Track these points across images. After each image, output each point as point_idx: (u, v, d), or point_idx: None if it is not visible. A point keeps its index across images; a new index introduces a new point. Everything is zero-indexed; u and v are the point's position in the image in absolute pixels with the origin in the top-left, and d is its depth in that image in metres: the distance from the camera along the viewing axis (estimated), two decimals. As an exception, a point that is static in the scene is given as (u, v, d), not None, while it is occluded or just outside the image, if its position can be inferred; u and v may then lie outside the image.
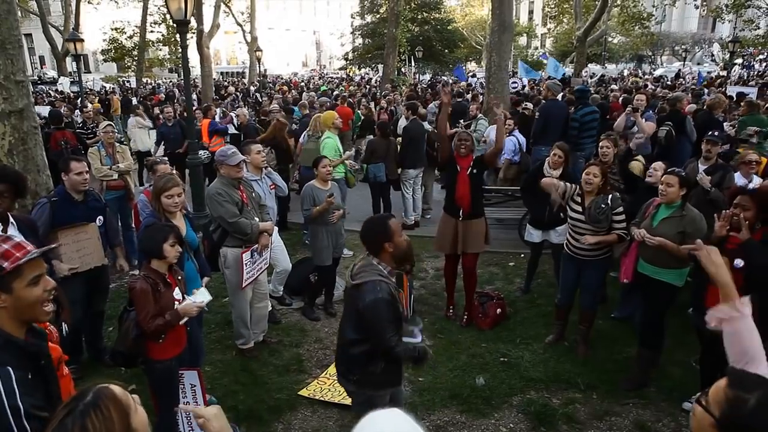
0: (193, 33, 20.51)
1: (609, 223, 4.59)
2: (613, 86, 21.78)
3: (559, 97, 9.37)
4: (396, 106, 13.46)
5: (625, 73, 38.00)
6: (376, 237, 3.00)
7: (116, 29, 33.12)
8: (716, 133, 5.84)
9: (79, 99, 17.74)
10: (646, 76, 33.17)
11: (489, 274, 6.79)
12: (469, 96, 15.83)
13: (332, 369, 4.77)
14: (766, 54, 38.51)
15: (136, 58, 32.52)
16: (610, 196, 4.63)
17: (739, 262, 3.55)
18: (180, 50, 8.48)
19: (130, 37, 32.84)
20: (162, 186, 3.99)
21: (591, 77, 27.52)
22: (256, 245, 4.74)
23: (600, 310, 5.56)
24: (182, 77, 12.09)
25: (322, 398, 4.38)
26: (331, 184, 5.67)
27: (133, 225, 6.33)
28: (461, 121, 9.30)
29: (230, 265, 4.69)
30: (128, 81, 33.98)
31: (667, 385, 4.47)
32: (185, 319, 3.34)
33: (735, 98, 12.69)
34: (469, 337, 5.34)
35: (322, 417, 4.23)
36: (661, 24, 40.65)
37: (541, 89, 13.33)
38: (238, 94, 23.95)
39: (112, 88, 29.31)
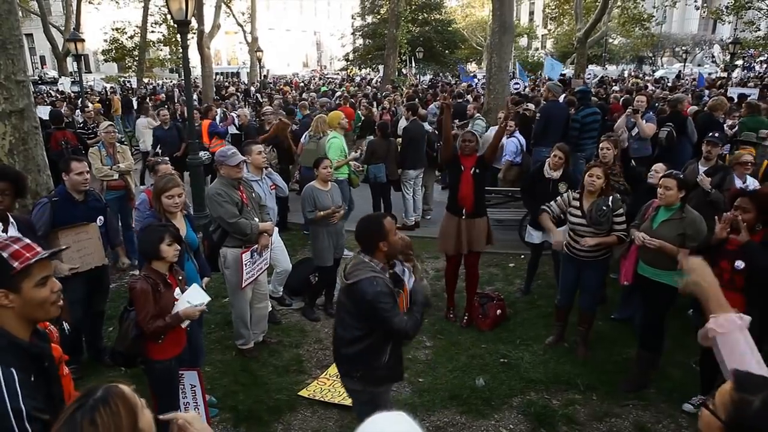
0: (194, 33, 20.51)
1: (610, 224, 4.59)
2: (615, 87, 21.81)
3: (561, 98, 9.37)
4: (397, 107, 13.47)
5: (626, 74, 38.01)
6: (372, 236, 3.03)
7: (117, 29, 33.13)
8: (716, 135, 5.85)
9: (80, 99, 17.73)
10: (647, 77, 33.18)
11: (489, 275, 6.78)
12: (469, 97, 15.86)
13: (332, 369, 4.77)
14: (766, 56, 38.50)
15: (136, 59, 32.53)
16: (611, 197, 4.62)
17: (740, 264, 3.56)
18: (181, 50, 8.49)
19: (131, 37, 32.86)
20: (162, 186, 3.99)
21: (593, 78, 27.48)
22: (256, 245, 4.74)
23: (600, 311, 5.56)
24: (183, 77, 12.10)
25: (321, 399, 4.38)
26: (331, 185, 5.67)
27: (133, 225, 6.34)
28: (456, 121, 9.31)
29: (230, 266, 4.69)
30: (129, 81, 34.00)
31: (667, 387, 4.47)
32: (187, 323, 3.34)
33: (737, 99, 12.70)
34: (469, 338, 5.34)
35: (322, 418, 4.23)
36: (661, 25, 40.64)
37: (542, 90, 13.35)
38: (238, 94, 23.96)
39: (113, 88, 29.32)
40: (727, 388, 1.48)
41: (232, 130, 11.67)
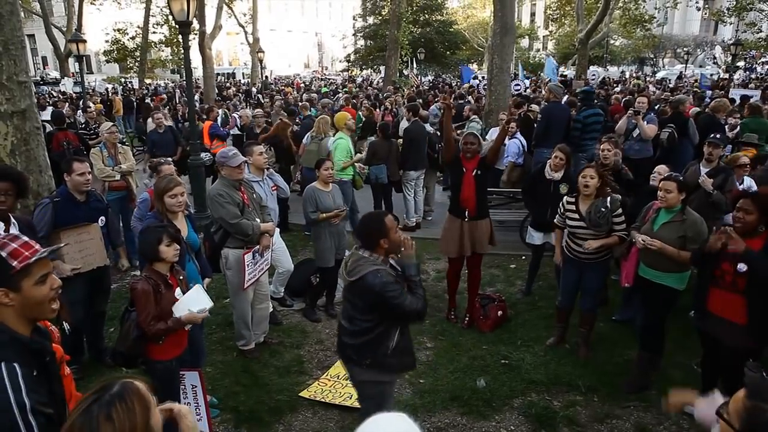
0: (195, 34, 20.53)
1: (609, 225, 4.58)
2: (616, 88, 21.81)
3: (565, 98, 9.39)
4: (398, 108, 13.47)
5: (627, 75, 37.98)
6: (373, 233, 3.11)
7: (119, 30, 33.16)
8: (718, 136, 5.85)
9: (82, 100, 17.76)
10: (648, 78, 33.16)
11: (490, 276, 6.78)
12: (470, 98, 15.86)
13: (333, 370, 4.78)
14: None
15: (138, 59, 32.57)
16: (608, 198, 4.62)
17: (742, 267, 3.55)
18: (182, 51, 8.49)
19: (133, 38, 32.90)
20: (165, 186, 4.00)
21: (597, 78, 27.53)
22: (258, 246, 4.74)
23: (601, 312, 5.56)
24: (184, 78, 12.11)
25: (323, 399, 4.38)
26: (332, 186, 5.67)
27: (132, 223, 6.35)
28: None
29: (232, 266, 4.69)
30: (130, 82, 34.06)
31: (669, 388, 4.44)
32: (189, 326, 3.35)
33: (739, 101, 12.69)
34: (470, 340, 5.34)
35: (323, 418, 4.23)
36: (663, 26, 40.62)
37: (543, 91, 13.36)
38: (240, 95, 23.99)
39: (114, 88, 29.37)
40: (740, 396, 1.50)
41: (234, 131, 11.69)
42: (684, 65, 41.70)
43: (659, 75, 37.51)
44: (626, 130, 7.87)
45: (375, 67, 41.62)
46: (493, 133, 8.65)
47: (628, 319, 5.41)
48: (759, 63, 38.43)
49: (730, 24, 32.38)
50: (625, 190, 5.33)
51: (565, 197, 4.94)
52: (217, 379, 4.64)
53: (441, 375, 4.72)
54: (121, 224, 6.24)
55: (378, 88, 24.95)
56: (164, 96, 24.08)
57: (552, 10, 38.29)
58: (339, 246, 5.69)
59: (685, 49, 46.58)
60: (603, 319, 5.55)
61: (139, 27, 30.95)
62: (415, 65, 33.44)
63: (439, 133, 9.03)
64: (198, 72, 24.32)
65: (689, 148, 7.61)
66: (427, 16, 38.83)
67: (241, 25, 34.67)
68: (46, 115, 10.99)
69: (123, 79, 37.01)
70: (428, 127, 9.06)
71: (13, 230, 3.78)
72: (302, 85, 33.81)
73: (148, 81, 33.89)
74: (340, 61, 53.21)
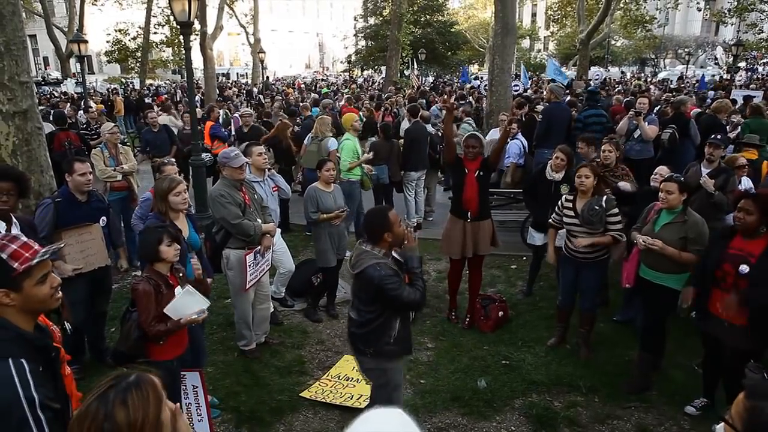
0: (197, 35, 20.54)
1: (603, 224, 4.59)
2: (618, 88, 21.80)
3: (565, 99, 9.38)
4: (399, 108, 13.47)
5: (628, 75, 37.95)
6: (377, 227, 3.29)
7: (120, 30, 33.17)
8: (719, 136, 5.85)
9: (83, 100, 17.78)
10: (650, 80, 33.14)
11: (491, 277, 6.78)
12: (471, 99, 15.87)
13: (334, 371, 4.78)
14: (769, 57, 38.48)
15: (139, 60, 32.60)
16: (604, 197, 4.63)
17: (744, 268, 3.54)
18: (183, 52, 8.49)
19: (134, 38, 32.91)
20: (168, 186, 4.01)
21: (600, 78, 27.56)
22: (259, 247, 4.74)
23: (602, 313, 5.56)
24: (185, 79, 12.11)
25: (323, 400, 4.38)
26: (334, 187, 5.67)
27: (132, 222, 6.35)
28: None
29: (233, 267, 4.69)
30: (131, 82, 34.09)
31: (669, 389, 4.46)
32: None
33: (742, 101, 12.68)
34: (471, 340, 5.34)
35: (324, 419, 4.23)
36: (664, 27, 40.54)
37: (544, 92, 13.36)
38: (242, 94, 24.00)
39: (115, 89, 29.39)
40: (740, 398, 1.52)
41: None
42: (685, 66, 41.67)
43: (660, 75, 37.48)
44: (627, 130, 7.87)
45: (376, 67, 41.60)
46: (494, 134, 8.65)
47: (628, 319, 5.41)
48: (760, 63, 38.39)
49: (731, 25, 32.32)
50: (623, 203, 5.29)
51: (564, 195, 4.95)
52: (218, 379, 4.64)
53: (442, 375, 4.72)
54: (122, 224, 6.26)
55: (379, 88, 24.97)
56: (165, 96, 24.11)
57: (553, 10, 38.28)
58: (339, 246, 5.69)
59: (686, 49, 46.55)
60: (604, 319, 5.55)
61: (140, 27, 30.97)
62: (416, 65, 33.37)
63: (440, 134, 9.04)
64: (199, 72, 24.31)
65: (691, 149, 7.60)
66: (428, 16, 38.74)
67: (242, 26, 34.68)
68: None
69: (124, 80, 37.06)
70: (429, 128, 9.06)
71: (15, 230, 3.78)
72: (303, 85, 33.83)
73: (149, 81, 33.91)
74: (341, 62, 53.19)
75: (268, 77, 33.09)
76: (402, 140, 8.82)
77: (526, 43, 54.03)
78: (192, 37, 8.55)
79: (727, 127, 8.74)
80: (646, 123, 7.70)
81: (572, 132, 8.28)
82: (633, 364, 4.65)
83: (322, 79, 41.28)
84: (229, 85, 32.73)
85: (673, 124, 7.65)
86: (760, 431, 1.46)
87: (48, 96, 24.47)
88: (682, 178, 4.32)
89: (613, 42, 44.04)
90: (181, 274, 3.48)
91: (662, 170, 5.00)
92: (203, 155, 8.66)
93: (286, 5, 67.93)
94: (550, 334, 5.28)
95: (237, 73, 48.90)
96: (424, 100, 15.04)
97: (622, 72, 41.37)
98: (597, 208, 4.55)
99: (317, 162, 5.91)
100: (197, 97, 16.28)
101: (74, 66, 31.82)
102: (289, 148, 8.76)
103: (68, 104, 17.07)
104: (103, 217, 4.76)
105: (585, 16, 27.19)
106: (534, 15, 62.20)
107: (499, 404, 4.34)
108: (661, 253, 4.09)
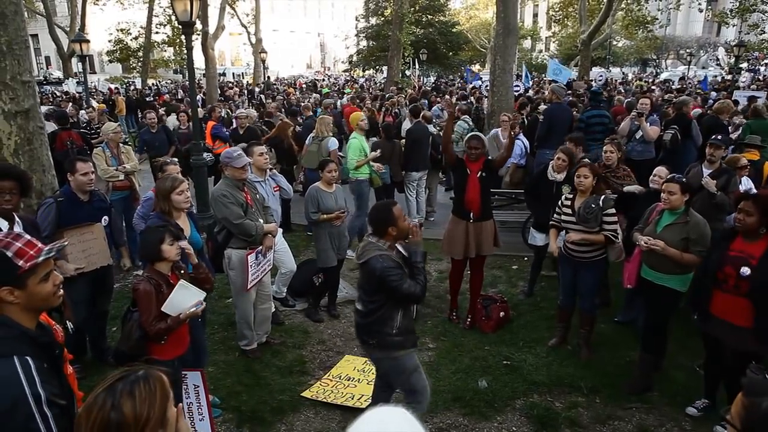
0: (198, 34, 20.56)
1: (599, 223, 4.59)
2: (620, 89, 21.77)
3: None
4: (399, 108, 13.47)
5: (630, 76, 37.92)
6: (381, 221, 3.41)
7: (122, 30, 33.23)
8: (719, 137, 5.84)
9: (84, 100, 17.80)
10: (653, 80, 33.10)
11: (492, 277, 6.77)
12: (472, 98, 15.85)
13: (335, 370, 4.78)
14: (771, 58, 38.41)
15: (141, 59, 32.63)
16: (602, 196, 4.64)
17: (745, 271, 3.54)
18: (185, 51, 8.49)
19: (136, 38, 32.96)
20: (171, 186, 4.01)
21: (604, 79, 27.56)
22: (261, 247, 4.74)
23: (603, 314, 5.57)
24: (187, 78, 12.10)
25: (324, 400, 4.38)
26: (336, 187, 5.67)
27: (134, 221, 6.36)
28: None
29: (235, 267, 4.70)
30: (133, 82, 34.11)
31: (671, 390, 4.46)
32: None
33: (747, 102, 12.66)
34: (472, 340, 5.34)
35: (325, 419, 4.23)
36: (665, 28, 40.54)
37: (546, 92, 13.34)
38: (245, 93, 23.98)
39: (117, 88, 29.42)
40: (739, 396, 1.54)
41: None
42: (687, 67, 41.62)
43: (662, 76, 37.44)
44: (629, 131, 7.86)
45: (378, 67, 41.59)
46: (499, 134, 8.65)
47: (630, 320, 5.41)
48: (762, 64, 38.35)
49: (733, 26, 32.25)
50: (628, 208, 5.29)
51: (564, 194, 4.96)
52: (219, 378, 4.65)
53: (443, 375, 4.71)
54: (123, 224, 6.27)
55: (380, 89, 24.97)
56: (167, 96, 24.13)
57: (554, 11, 38.22)
58: (340, 246, 5.70)
59: (687, 50, 46.51)
60: (605, 320, 5.56)
61: (142, 27, 31.00)
62: (417, 66, 33.37)
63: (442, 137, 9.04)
64: (200, 72, 24.33)
65: (692, 150, 7.59)
66: (429, 16, 38.74)
67: (243, 26, 34.69)
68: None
69: (126, 80, 37.10)
70: (431, 128, 9.06)
71: (17, 229, 3.79)
72: (304, 85, 33.83)
73: (150, 81, 33.92)
74: (343, 62, 53.18)
75: (269, 77, 33.11)
76: (403, 140, 8.82)
77: (527, 43, 54.01)
78: (193, 37, 8.53)
79: (729, 128, 8.73)
80: (648, 124, 7.70)
81: (574, 132, 8.27)
82: (634, 364, 4.65)
83: (323, 79, 41.28)
84: (230, 84, 32.74)
85: (674, 125, 7.64)
86: (758, 427, 1.47)
87: (50, 96, 24.51)
88: (684, 179, 4.32)
89: (614, 43, 44.00)
90: (182, 272, 3.48)
91: (661, 172, 4.99)
92: (204, 155, 8.66)
93: (288, 5, 67.95)
94: (551, 335, 5.28)
95: (233, 73, 48.43)
96: (425, 101, 15.05)
97: (624, 74, 41.32)
98: (593, 206, 4.57)
99: (320, 162, 5.91)
100: (198, 97, 16.26)
101: (76, 66, 31.82)
102: (290, 148, 8.77)
103: (70, 104, 17.09)
104: (105, 217, 4.77)
105: (586, 17, 27.16)
106: (535, 15, 62.20)
107: (500, 405, 4.34)
108: (663, 253, 4.09)
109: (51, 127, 8.22)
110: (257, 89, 27.12)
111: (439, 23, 39.04)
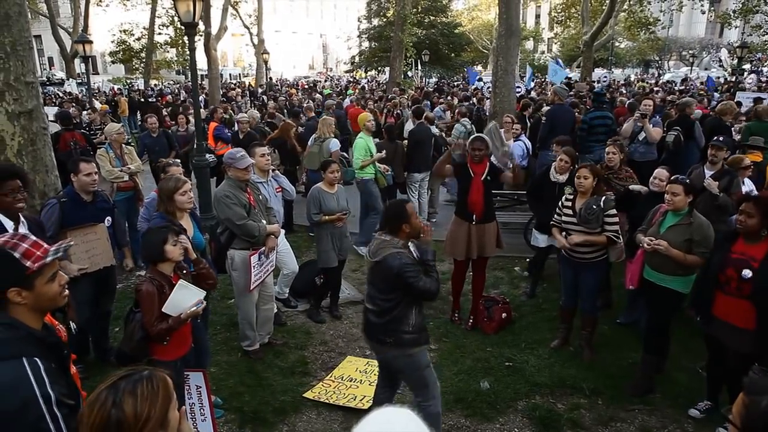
0: (201, 35, 20.59)
1: (600, 224, 4.59)
2: (622, 90, 21.75)
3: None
4: (402, 110, 13.48)
5: (632, 78, 37.88)
6: (396, 219, 3.45)
7: (124, 31, 33.25)
8: (721, 138, 5.84)
9: (88, 100, 17.84)
10: (652, 81, 33.06)
11: (494, 278, 6.77)
12: (474, 99, 15.86)
13: (337, 371, 4.79)
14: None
15: (143, 60, 32.68)
16: (603, 197, 4.64)
17: (747, 273, 3.54)
18: (187, 52, 8.50)
19: (138, 39, 33.00)
20: (174, 186, 4.02)
21: (608, 80, 27.53)
22: (264, 248, 4.75)
23: (606, 315, 5.56)
24: (189, 79, 12.11)
25: (327, 401, 4.39)
26: (338, 188, 5.68)
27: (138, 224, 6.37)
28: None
29: (238, 268, 4.70)
30: (135, 83, 34.17)
31: (673, 392, 4.45)
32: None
33: (753, 103, 12.63)
34: (474, 342, 5.34)
35: (327, 420, 4.23)
36: (668, 29, 40.46)
37: (548, 94, 13.35)
38: (247, 93, 23.99)
39: (119, 89, 29.47)
40: (741, 396, 1.56)
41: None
42: (689, 68, 41.57)
43: (666, 77, 37.40)
44: (632, 132, 7.85)
45: (380, 68, 41.61)
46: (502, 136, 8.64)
47: (632, 321, 5.41)
48: (766, 65, 38.27)
49: (736, 27, 32.20)
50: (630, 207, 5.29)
51: (565, 194, 4.96)
52: (221, 379, 4.65)
53: (445, 377, 4.71)
54: (126, 224, 6.29)
55: (383, 90, 24.98)
56: (169, 97, 24.17)
57: (557, 12, 38.17)
58: (341, 247, 5.70)
59: (690, 51, 46.46)
60: (607, 321, 5.55)
61: (144, 28, 31.01)
62: (419, 67, 33.35)
63: (444, 135, 9.04)
64: (203, 73, 24.37)
65: (695, 151, 7.58)
66: (431, 17, 38.77)
67: (246, 27, 34.76)
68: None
69: (128, 80, 37.15)
70: (434, 129, 9.06)
71: (23, 229, 3.80)
72: (306, 86, 33.86)
73: (153, 82, 33.98)
74: (345, 63, 53.22)
75: (271, 78, 33.15)
76: (406, 141, 8.82)
77: (529, 44, 54.00)
78: (196, 38, 8.54)
79: (732, 129, 8.71)
80: (651, 125, 7.69)
81: (577, 134, 8.28)
82: (636, 366, 4.65)
83: (326, 80, 41.30)
84: (232, 85, 32.78)
85: (677, 126, 7.63)
86: (758, 424, 1.49)
87: (53, 96, 24.56)
88: (687, 180, 4.32)
89: (616, 44, 43.98)
90: (185, 271, 3.49)
91: (661, 174, 4.98)
92: (207, 156, 8.66)
93: (290, 6, 68.08)
94: (554, 336, 5.27)
95: (229, 74, 48.05)
96: (428, 102, 15.05)
97: (628, 76, 41.29)
98: (594, 207, 4.57)
99: (321, 163, 5.92)
100: (200, 98, 16.28)
101: (79, 66, 31.88)
102: (293, 149, 8.78)
103: (72, 104, 17.13)
104: (108, 217, 4.78)
105: (589, 18, 27.14)
106: (538, 17, 62.19)
107: (502, 406, 4.34)
108: (666, 254, 4.09)
109: (54, 127, 8.24)
110: (260, 90, 27.16)
111: (442, 24, 39.08)
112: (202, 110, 10.14)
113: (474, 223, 5.34)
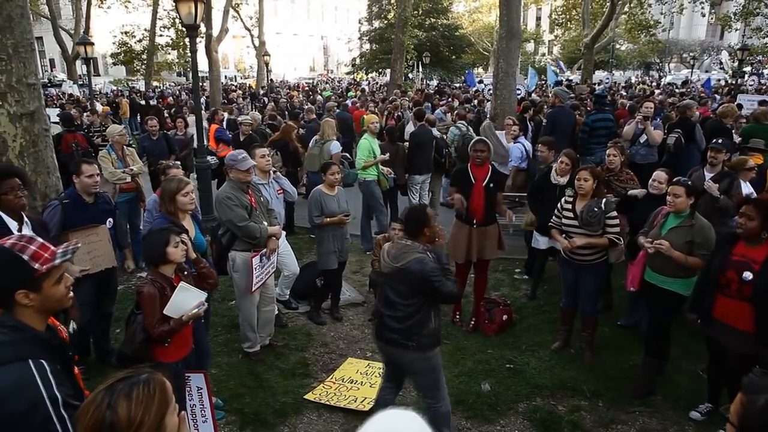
0: (202, 37, 20.62)
1: (602, 226, 4.59)
2: (622, 92, 21.77)
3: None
4: (403, 112, 13.49)
5: (633, 80, 37.90)
6: (417, 223, 3.48)
7: (126, 33, 33.34)
8: (720, 141, 5.85)
9: (89, 102, 17.87)
10: (653, 83, 33.08)
11: (495, 280, 6.78)
12: (475, 101, 15.87)
13: (338, 373, 4.79)
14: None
15: (145, 62, 32.74)
16: (603, 199, 4.64)
17: (747, 275, 3.54)
18: (189, 54, 8.52)
19: (140, 40, 33.08)
20: (177, 187, 4.03)
21: (610, 83, 27.54)
22: (265, 249, 4.75)
23: (606, 317, 5.57)
24: (190, 81, 12.14)
25: (327, 402, 4.39)
26: (338, 190, 5.69)
27: (142, 227, 6.39)
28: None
29: (239, 269, 4.71)
30: (136, 84, 34.18)
31: (674, 394, 4.45)
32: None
33: (758, 105, 12.62)
34: (475, 343, 5.34)
35: (328, 421, 4.23)
36: (668, 31, 40.52)
37: (550, 96, 13.34)
38: (247, 95, 24.01)
39: (120, 91, 29.51)
40: (739, 395, 1.58)
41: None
42: (690, 70, 41.59)
43: (668, 79, 37.41)
44: (633, 135, 7.86)
45: (380, 70, 41.66)
46: (501, 137, 8.65)
47: (633, 323, 5.40)
48: (766, 67, 38.27)
49: (736, 30, 32.22)
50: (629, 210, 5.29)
51: (565, 196, 4.96)
52: (222, 381, 4.66)
53: (446, 378, 4.62)
54: (128, 226, 6.29)
55: (383, 92, 25.00)
56: (170, 99, 24.20)
57: (557, 14, 38.23)
58: (342, 249, 5.71)
59: (691, 54, 46.48)
60: (608, 323, 5.55)
61: (146, 30, 31.09)
62: (420, 69, 33.41)
63: (445, 137, 9.04)
64: (204, 75, 24.40)
65: (696, 154, 7.58)
66: (432, 20, 38.84)
67: (247, 29, 34.82)
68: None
69: (129, 82, 37.20)
70: (435, 132, 9.06)
71: (26, 229, 3.83)
72: (307, 87, 33.90)
73: (154, 84, 34.02)
74: (346, 65, 53.30)
75: (272, 80, 33.19)
76: (407, 143, 8.82)
77: (530, 47, 54.05)
78: (197, 40, 8.55)
79: (733, 132, 8.71)
80: (652, 128, 7.70)
81: (579, 136, 8.28)
82: (637, 368, 4.65)
83: (326, 82, 41.34)
84: (233, 87, 32.82)
85: (678, 129, 7.64)
86: (755, 423, 1.51)
87: (54, 98, 24.60)
88: (690, 182, 4.32)
89: (617, 46, 44.00)
90: (185, 273, 3.49)
91: (660, 176, 4.98)
92: (208, 158, 8.68)
93: (291, 8, 68.11)
94: (554, 338, 5.27)
95: (225, 76, 47.71)
96: (429, 104, 15.07)
97: (627, 78, 41.31)
98: (596, 209, 4.58)
99: (322, 165, 5.92)
100: (201, 100, 16.30)
101: (80, 68, 31.92)
102: (296, 151, 8.79)
103: (73, 106, 17.16)
104: (110, 219, 4.79)
105: (589, 20, 27.20)
106: (538, 19, 62.23)
107: (503, 408, 4.34)
108: (668, 256, 4.09)
109: (56, 129, 8.25)
110: (261, 91, 27.18)
111: (443, 26, 39.14)
112: (203, 112, 10.18)
113: (475, 227, 5.35)
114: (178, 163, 5.57)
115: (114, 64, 39.15)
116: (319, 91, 27.63)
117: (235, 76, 48.63)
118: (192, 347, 3.53)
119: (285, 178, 6.06)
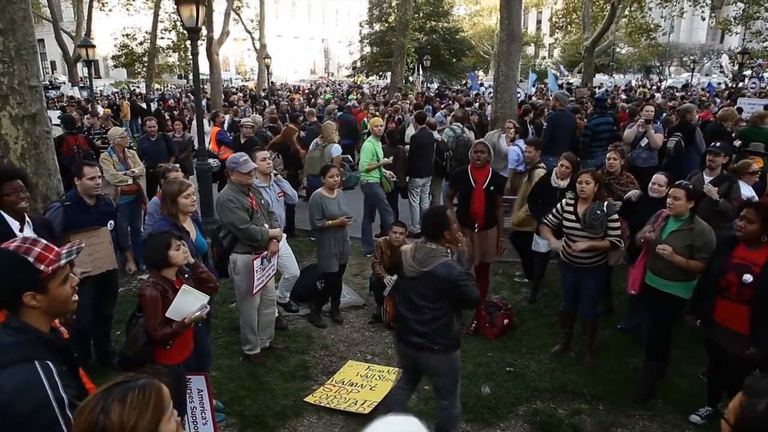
0: (203, 40, 20.66)
1: (604, 229, 4.60)
2: (622, 96, 21.80)
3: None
4: (403, 115, 13.51)
5: (633, 83, 37.95)
6: (438, 226, 3.47)
7: (127, 35, 33.40)
8: (718, 144, 5.85)
9: (90, 104, 17.89)
10: (653, 87, 33.12)
11: (495, 283, 6.78)
12: (476, 104, 15.89)
13: (338, 376, 4.79)
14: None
15: (146, 65, 32.79)
16: (605, 202, 4.66)
17: (747, 278, 3.54)
18: (190, 56, 8.54)
19: (141, 43, 33.14)
20: (178, 189, 4.05)
21: (612, 86, 27.57)
22: (266, 252, 4.76)
23: (607, 320, 5.57)
24: (191, 83, 12.16)
25: (327, 405, 4.38)
26: (338, 192, 5.70)
27: (143, 230, 6.39)
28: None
29: (240, 272, 4.71)
30: (137, 87, 34.20)
31: (674, 397, 4.45)
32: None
33: (763, 109, 12.60)
34: (476, 346, 5.34)
35: (328, 424, 4.24)
36: (669, 35, 40.59)
37: (550, 99, 13.37)
38: (248, 98, 24.03)
39: (121, 93, 29.54)
40: (738, 396, 1.58)
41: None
42: (690, 74, 41.64)
43: (668, 82, 37.44)
44: (634, 138, 7.87)
45: (381, 73, 41.72)
46: (501, 141, 8.66)
47: (634, 327, 5.40)
48: (766, 71, 38.30)
49: (736, 33, 32.29)
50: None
51: (565, 198, 4.97)
52: (222, 383, 4.65)
53: (446, 381, 4.71)
54: (129, 228, 6.29)
55: (384, 95, 25.02)
56: (171, 101, 24.23)
57: (558, 18, 38.31)
58: (342, 252, 5.71)
59: (691, 57, 46.52)
60: (608, 327, 5.55)
61: (147, 32, 31.16)
62: (420, 72, 33.41)
63: (445, 140, 9.04)
64: (205, 78, 24.43)
65: (696, 157, 7.58)
66: (433, 23, 38.88)
67: (248, 31, 34.89)
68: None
69: (130, 84, 37.24)
70: (436, 135, 9.07)
71: (28, 229, 3.84)
72: (308, 90, 33.93)
73: (155, 86, 34.06)
74: (346, 68, 53.33)
75: (273, 82, 33.22)
76: (407, 146, 8.84)
77: (531, 50, 54.12)
78: (199, 43, 8.57)
79: (733, 135, 8.71)
80: (653, 131, 7.71)
81: (581, 139, 8.29)
82: (638, 371, 4.65)
83: (327, 85, 41.38)
84: (234, 90, 32.86)
85: (678, 132, 7.64)
86: (752, 426, 1.52)
87: (55, 100, 24.62)
88: (690, 185, 4.33)
89: (618, 50, 44.06)
90: (186, 275, 3.50)
91: (659, 179, 4.98)
92: (210, 160, 8.69)
93: (292, 11, 68.30)
94: (554, 342, 5.27)
95: (231, 78, 47.82)
96: (429, 107, 15.08)
97: (628, 82, 41.36)
98: (599, 212, 4.59)
99: (321, 168, 5.94)
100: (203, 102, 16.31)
101: (81, 70, 31.97)
102: (297, 153, 8.80)
103: (74, 108, 17.18)
104: (111, 221, 4.80)
105: (590, 24, 27.24)
106: (539, 22, 62.30)
107: (503, 411, 4.34)
108: (670, 260, 4.10)
109: (57, 131, 8.26)
110: (262, 94, 27.21)
111: (443, 29, 39.16)
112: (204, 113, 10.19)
113: (476, 231, 5.36)
114: (177, 166, 5.58)
115: (115, 66, 39.22)
116: (319, 94, 27.65)
117: (231, 79, 48.60)
118: (193, 349, 3.53)
119: (286, 180, 6.07)
